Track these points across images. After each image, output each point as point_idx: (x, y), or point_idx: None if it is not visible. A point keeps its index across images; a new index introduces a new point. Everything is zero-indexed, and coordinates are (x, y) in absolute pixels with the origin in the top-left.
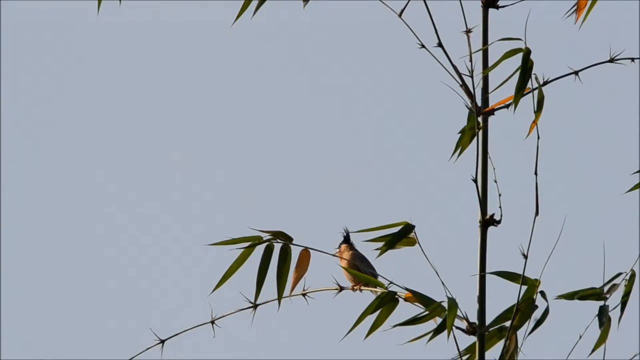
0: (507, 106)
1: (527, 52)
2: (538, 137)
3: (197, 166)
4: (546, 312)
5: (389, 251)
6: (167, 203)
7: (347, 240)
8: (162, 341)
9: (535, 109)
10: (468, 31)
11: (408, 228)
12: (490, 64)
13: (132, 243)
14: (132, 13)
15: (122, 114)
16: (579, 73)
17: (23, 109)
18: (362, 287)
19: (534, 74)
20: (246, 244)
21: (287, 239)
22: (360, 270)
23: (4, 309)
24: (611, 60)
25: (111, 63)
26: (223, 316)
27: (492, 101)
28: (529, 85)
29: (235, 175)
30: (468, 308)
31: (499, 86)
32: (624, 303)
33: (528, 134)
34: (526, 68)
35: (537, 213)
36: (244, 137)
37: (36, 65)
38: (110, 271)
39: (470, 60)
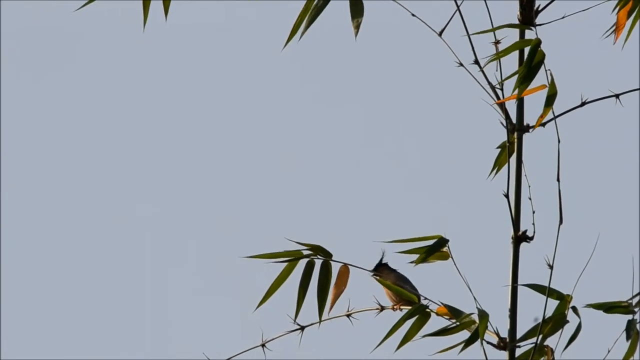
0: (543, 124)
1: (536, 43)
2: (559, 141)
3: (225, 177)
4: (579, 329)
5: (421, 265)
6: (197, 214)
7: (381, 261)
8: None
9: (545, 104)
10: (497, 42)
11: (442, 241)
12: (525, 79)
13: (164, 256)
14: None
15: (143, 119)
16: (620, 96)
17: (25, 109)
18: (402, 307)
19: (549, 69)
20: (286, 258)
21: (326, 255)
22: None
23: (4, 309)
24: None
25: (119, 66)
26: (273, 339)
27: (527, 117)
28: (545, 83)
29: (264, 186)
30: (499, 324)
31: (509, 77)
32: None
33: (534, 128)
34: (533, 58)
35: (561, 222)
36: (276, 148)
37: (37, 65)
38: (144, 286)
39: (500, 72)
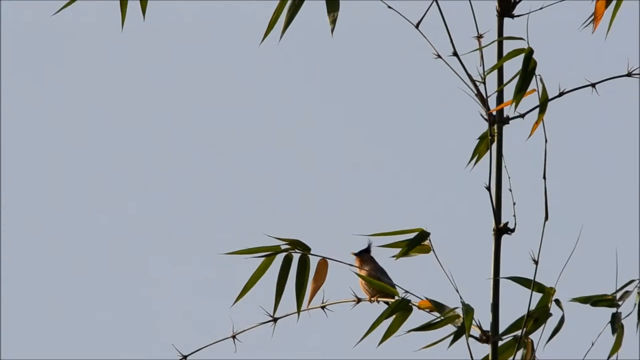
0: (522, 115)
1: (529, 53)
2: (546, 141)
3: (209, 172)
4: (562, 321)
5: (402, 259)
6: (178, 210)
7: (368, 251)
8: (185, 357)
9: (539, 111)
10: (479, 36)
11: (423, 235)
12: (505, 73)
13: (144, 251)
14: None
15: (133, 117)
16: (596, 85)
17: (24, 108)
18: (379, 299)
19: (539, 75)
20: (264, 254)
21: (304, 249)
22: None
23: (4, 309)
24: (629, 75)
25: (119, 67)
26: (244, 330)
27: (507, 109)
28: (534, 87)
29: (247, 182)
30: (482, 317)
31: (503, 86)
32: None
33: (530, 135)
34: (527, 68)
35: (546, 218)
36: (257, 143)
37: (36, 64)
38: (123, 279)
39: (482, 66)
